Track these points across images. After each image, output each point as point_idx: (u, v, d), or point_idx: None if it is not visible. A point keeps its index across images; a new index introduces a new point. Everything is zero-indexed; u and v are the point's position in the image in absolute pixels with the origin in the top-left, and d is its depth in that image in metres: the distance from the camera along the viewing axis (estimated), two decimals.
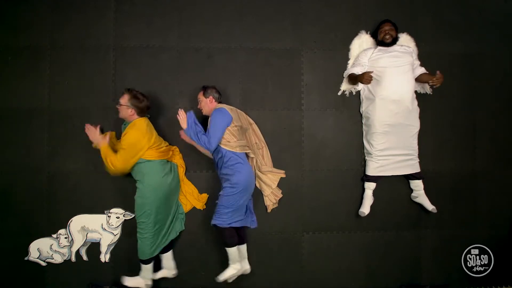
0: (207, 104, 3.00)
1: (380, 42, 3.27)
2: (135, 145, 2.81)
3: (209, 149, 2.89)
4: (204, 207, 3.23)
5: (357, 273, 3.35)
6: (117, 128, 3.14)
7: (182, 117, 2.92)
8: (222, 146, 2.90)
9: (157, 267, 3.12)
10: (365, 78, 3.08)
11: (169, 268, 3.14)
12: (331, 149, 3.36)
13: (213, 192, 3.21)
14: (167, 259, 3.13)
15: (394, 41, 3.24)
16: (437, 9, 3.48)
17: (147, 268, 3.01)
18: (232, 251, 2.97)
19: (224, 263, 3.18)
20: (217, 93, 3.03)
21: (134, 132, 2.84)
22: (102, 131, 3.10)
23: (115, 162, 2.80)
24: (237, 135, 2.94)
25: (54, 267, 3.16)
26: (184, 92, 3.25)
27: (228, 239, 2.94)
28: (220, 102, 3.05)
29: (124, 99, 2.88)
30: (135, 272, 3.12)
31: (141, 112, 2.92)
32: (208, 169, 3.24)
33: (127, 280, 3.05)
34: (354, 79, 3.24)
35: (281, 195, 3.27)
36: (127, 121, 2.96)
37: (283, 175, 3.28)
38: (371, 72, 3.12)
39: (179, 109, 2.96)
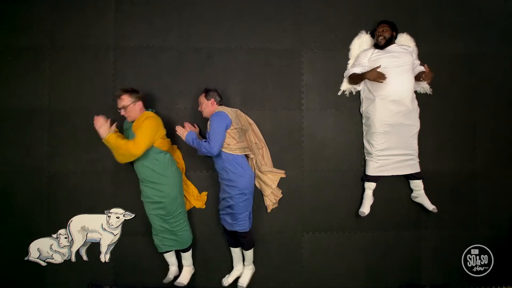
0: (208, 106, 3.00)
1: (375, 44, 3.29)
2: (154, 128, 2.83)
3: (212, 154, 2.85)
4: (204, 206, 3.22)
5: (357, 273, 3.35)
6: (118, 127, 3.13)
7: (181, 132, 2.92)
8: (221, 149, 2.88)
9: (147, 267, 3.13)
10: (374, 76, 3.06)
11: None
12: (331, 149, 3.36)
13: (213, 191, 3.21)
14: None
15: (388, 42, 3.24)
16: (437, 9, 3.47)
17: (189, 254, 3.11)
18: (251, 252, 3.10)
19: (224, 263, 3.20)
20: (219, 96, 3.03)
21: (151, 118, 2.86)
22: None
23: (134, 146, 2.72)
24: (237, 138, 2.93)
25: (54, 267, 3.16)
26: (184, 92, 3.25)
27: (252, 241, 3.05)
28: (220, 105, 3.04)
29: (127, 100, 2.87)
30: (134, 272, 3.15)
31: (145, 102, 2.96)
32: (208, 169, 3.24)
33: (183, 278, 3.10)
34: (358, 78, 3.23)
35: (281, 195, 3.27)
36: (135, 118, 2.91)
37: (283, 175, 3.28)
38: (378, 67, 3.09)
39: (176, 126, 2.94)
